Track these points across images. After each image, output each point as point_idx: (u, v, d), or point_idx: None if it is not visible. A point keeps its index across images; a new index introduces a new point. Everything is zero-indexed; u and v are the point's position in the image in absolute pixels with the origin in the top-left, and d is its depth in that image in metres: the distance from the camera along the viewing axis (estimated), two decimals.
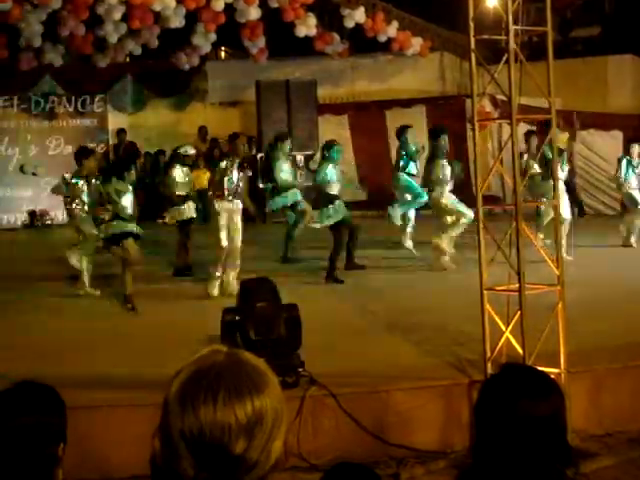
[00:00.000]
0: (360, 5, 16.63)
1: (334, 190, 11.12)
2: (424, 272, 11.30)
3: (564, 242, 10.53)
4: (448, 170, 11.46)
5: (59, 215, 16.58)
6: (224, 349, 1.67)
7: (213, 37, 16.75)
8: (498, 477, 2.11)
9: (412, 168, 12.62)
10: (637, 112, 17.06)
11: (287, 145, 12.33)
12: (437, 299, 9.34)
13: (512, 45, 6.22)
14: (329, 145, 11.46)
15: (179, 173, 11.55)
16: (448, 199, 11.41)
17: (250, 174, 11.04)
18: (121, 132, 18.88)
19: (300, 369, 6.32)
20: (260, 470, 1.59)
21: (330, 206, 11.03)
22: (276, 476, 1.64)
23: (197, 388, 1.59)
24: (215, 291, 10.07)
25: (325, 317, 8.56)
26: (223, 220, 10.03)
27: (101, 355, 7.44)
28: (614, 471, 5.90)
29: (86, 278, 10.40)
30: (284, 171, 12.10)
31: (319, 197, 11.22)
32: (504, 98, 6.66)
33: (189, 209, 11.51)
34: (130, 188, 9.82)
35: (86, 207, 10.45)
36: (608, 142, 16.84)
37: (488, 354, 6.39)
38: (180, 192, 11.46)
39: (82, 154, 10.92)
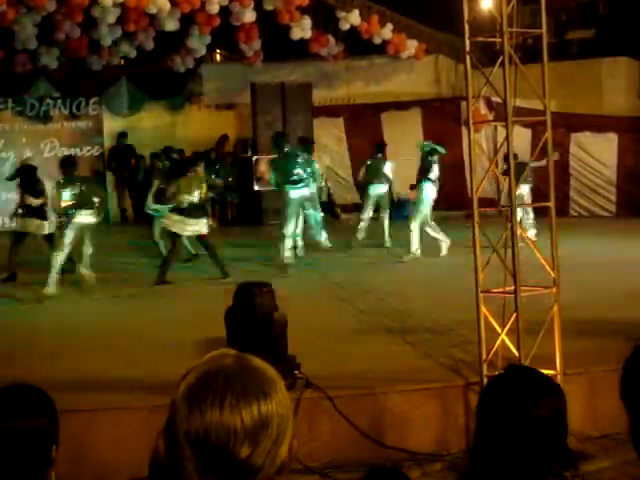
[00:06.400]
0: (355, 8, 16.64)
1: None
2: (421, 275, 11.31)
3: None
4: None
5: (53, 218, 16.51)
6: (233, 352, 1.68)
7: (208, 40, 16.76)
8: (498, 478, 2.10)
9: None
10: (632, 114, 17.08)
11: None
12: (433, 301, 9.34)
13: (507, 47, 6.22)
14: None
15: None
16: None
17: None
18: (121, 135, 18.86)
19: (296, 372, 6.32)
20: (264, 475, 1.59)
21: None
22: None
23: (205, 390, 1.59)
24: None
25: (321, 319, 8.55)
26: None
27: (97, 358, 7.42)
28: (610, 473, 5.90)
29: None
30: None
31: None
32: (499, 100, 6.67)
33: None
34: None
35: None
36: (603, 144, 16.87)
37: (484, 356, 6.38)
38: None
39: None
